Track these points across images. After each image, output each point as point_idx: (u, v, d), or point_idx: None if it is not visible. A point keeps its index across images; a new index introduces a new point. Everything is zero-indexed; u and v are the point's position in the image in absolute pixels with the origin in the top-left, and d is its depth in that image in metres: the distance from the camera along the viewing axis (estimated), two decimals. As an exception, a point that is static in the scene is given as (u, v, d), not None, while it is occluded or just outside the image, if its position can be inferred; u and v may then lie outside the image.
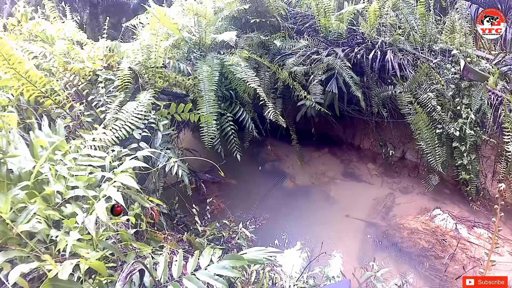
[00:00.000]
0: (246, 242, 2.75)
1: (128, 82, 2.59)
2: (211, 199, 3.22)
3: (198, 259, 1.53)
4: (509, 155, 3.24)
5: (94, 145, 1.92)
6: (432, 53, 3.81)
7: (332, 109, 3.92)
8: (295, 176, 4.31)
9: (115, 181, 1.52)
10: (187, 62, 3.41)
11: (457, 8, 4.00)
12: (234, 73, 3.22)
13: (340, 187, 4.10)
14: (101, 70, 2.68)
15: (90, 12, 6.88)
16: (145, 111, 2.44)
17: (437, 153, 3.50)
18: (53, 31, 3.00)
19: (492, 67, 3.62)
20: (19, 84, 2.17)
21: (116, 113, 2.40)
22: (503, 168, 3.38)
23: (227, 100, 3.59)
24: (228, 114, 3.43)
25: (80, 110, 2.41)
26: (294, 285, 2.26)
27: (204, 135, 2.91)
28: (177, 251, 1.99)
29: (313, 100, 3.60)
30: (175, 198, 3.10)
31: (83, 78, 2.60)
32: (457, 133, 3.40)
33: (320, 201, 3.88)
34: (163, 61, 2.94)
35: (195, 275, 1.42)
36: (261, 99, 3.19)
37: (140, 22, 3.84)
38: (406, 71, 3.71)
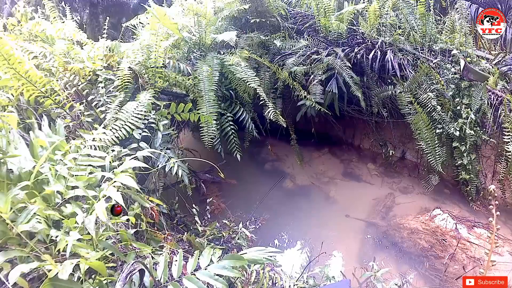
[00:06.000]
0: (246, 242, 2.75)
1: (128, 82, 2.59)
2: (211, 199, 3.22)
3: (198, 259, 1.53)
4: (509, 155, 3.24)
5: (94, 145, 1.92)
6: (432, 53, 3.81)
7: (332, 109, 3.92)
8: (295, 176, 4.31)
9: (115, 181, 1.52)
10: (187, 62, 3.41)
11: (457, 8, 4.00)
12: (234, 73, 3.22)
13: (340, 187, 4.10)
14: (101, 70, 2.68)
15: (90, 12, 6.88)
16: (145, 111, 2.44)
17: (437, 153, 3.50)
18: (53, 31, 3.00)
19: (492, 67, 3.62)
20: (19, 84, 2.17)
21: (116, 113, 2.40)
22: (503, 168, 3.38)
23: (227, 100, 3.58)
24: (228, 114, 3.43)
25: (80, 110, 2.41)
26: (294, 285, 2.26)
27: (204, 135, 2.91)
28: (177, 251, 1.99)
29: (313, 100, 3.60)
30: (175, 198, 3.10)
31: (83, 78, 2.60)
32: (457, 133, 3.40)
33: (320, 201, 3.88)
34: (163, 61, 2.94)
35: (195, 275, 1.42)
36: (261, 99, 3.19)
37: (140, 22, 3.84)
38: (406, 71, 3.71)
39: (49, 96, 2.29)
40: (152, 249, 1.73)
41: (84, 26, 6.71)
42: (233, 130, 3.37)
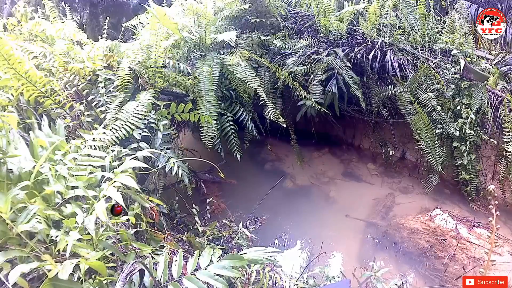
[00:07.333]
0: (246, 242, 2.75)
1: (128, 82, 2.59)
2: (211, 199, 3.22)
3: (198, 259, 1.53)
4: (509, 155, 3.24)
5: (94, 145, 1.92)
6: (432, 53, 3.81)
7: (332, 109, 3.92)
8: (295, 176, 4.31)
9: (115, 181, 1.52)
10: (187, 62, 3.41)
11: (457, 8, 4.00)
12: (234, 73, 3.22)
13: (340, 187, 4.10)
14: (101, 70, 2.68)
15: (90, 12, 6.89)
16: (145, 111, 2.44)
17: (437, 153, 3.50)
18: (53, 31, 2.99)
19: (492, 67, 3.62)
20: (19, 84, 2.18)
21: (116, 113, 2.40)
22: (503, 168, 3.38)
23: (227, 100, 3.58)
24: (228, 114, 3.43)
25: (80, 110, 2.41)
26: (294, 285, 2.26)
27: (204, 135, 2.91)
28: (177, 251, 1.99)
29: (313, 100, 3.60)
30: (175, 198, 3.10)
31: (83, 78, 2.60)
32: (457, 133, 3.40)
33: (320, 201, 3.88)
34: (163, 61, 2.94)
35: (195, 275, 1.42)
36: (261, 99, 3.19)
37: (140, 22, 3.84)
38: (406, 71, 3.71)
39: (49, 96, 2.29)
40: (152, 249, 1.73)
41: (84, 26, 6.71)
42: (233, 130, 3.37)
